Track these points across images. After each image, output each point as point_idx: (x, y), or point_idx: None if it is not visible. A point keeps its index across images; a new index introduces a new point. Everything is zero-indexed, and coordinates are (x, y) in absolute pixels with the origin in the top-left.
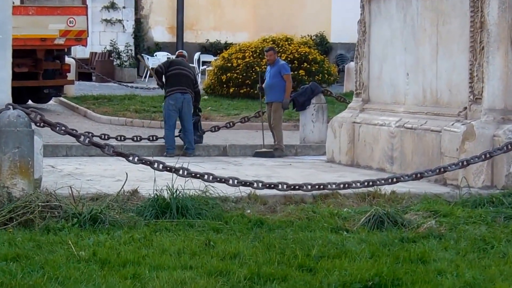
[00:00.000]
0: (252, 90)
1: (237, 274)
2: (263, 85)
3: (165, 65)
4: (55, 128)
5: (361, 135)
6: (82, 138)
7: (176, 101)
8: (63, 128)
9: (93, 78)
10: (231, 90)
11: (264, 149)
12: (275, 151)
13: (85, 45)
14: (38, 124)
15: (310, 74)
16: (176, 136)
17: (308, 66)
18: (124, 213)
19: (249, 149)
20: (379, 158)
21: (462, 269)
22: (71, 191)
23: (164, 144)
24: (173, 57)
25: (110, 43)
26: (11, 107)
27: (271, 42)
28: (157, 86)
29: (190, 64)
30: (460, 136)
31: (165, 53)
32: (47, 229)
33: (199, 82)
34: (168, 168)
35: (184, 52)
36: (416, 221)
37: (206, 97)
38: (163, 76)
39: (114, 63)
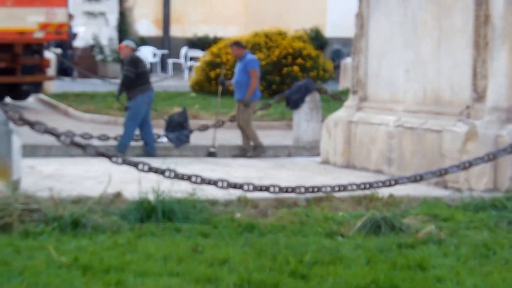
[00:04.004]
0: None
1: (226, 281)
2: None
3: (134, 65)
4: (34, 127)
5: (357, 135)
6: (62, 138)
7: (150, 99)
8: (42, 126)
9: (75, 74)
10: (220, 88)
11: (214, 149)
12: (252, 152)
13: (66, 39)
14: (16, 122)
15: (305, 70)
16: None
17: (303, 61)
18: (107, 217)
19: (238, 149)
20: (377, 159)
21: (463, 276)
22: (52, 193)
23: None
24: (158, 52)
25: (93, 36)
26: None
27: (264, 36)
28: None
29: (174, 60)
30: (462, 137)
31: (150, 47)
32: (26, 234)
33: (186, 79)
34: (154, 170)
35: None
36: (415, 225)
37: (193, 94)
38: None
39: (97, 58)
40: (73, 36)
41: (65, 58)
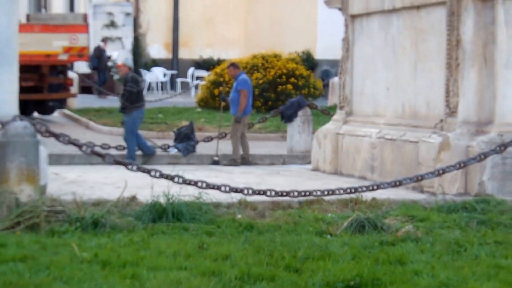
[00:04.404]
0: None
1: (229, 275)
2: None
3: (135, 83)
4: (59, 138)
5: (344, 145)
6: (84, 148)
7: (142, 115)
8: (66, 138)
9: (95, 91)
10: (223, 103)
11: (217, 158)
12: (228, 161)
13: (87, 61)
14: (43, 134)
15: (297, 88)
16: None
17: (295, 80)
18: (124, 218)
19: (240, 158)
20: (361, 167)
21: (437, 270)
22: (74, 197)
23: (139, 153)
24: (168, 72)
25: (111, 60)
26: (18, 118)
27: (261, 58)
28: (154, 99)
29: (182, 79)
30: (437, 147)
31: (161, 68)
32: (52, 232)
33: (192, 96)
34: (165, 176)
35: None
36: (395, 225)
37: (199, 109)
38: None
39: (114, 78)
40: (108, 58)
41: (101, 78)
